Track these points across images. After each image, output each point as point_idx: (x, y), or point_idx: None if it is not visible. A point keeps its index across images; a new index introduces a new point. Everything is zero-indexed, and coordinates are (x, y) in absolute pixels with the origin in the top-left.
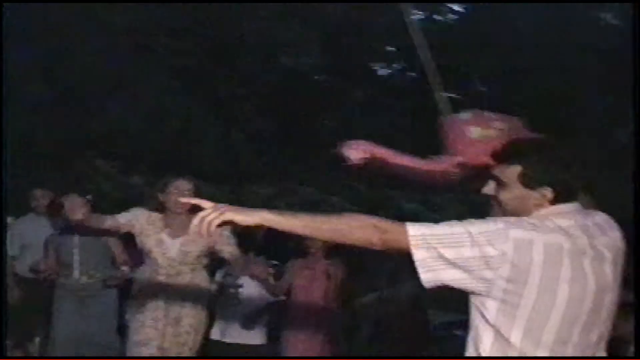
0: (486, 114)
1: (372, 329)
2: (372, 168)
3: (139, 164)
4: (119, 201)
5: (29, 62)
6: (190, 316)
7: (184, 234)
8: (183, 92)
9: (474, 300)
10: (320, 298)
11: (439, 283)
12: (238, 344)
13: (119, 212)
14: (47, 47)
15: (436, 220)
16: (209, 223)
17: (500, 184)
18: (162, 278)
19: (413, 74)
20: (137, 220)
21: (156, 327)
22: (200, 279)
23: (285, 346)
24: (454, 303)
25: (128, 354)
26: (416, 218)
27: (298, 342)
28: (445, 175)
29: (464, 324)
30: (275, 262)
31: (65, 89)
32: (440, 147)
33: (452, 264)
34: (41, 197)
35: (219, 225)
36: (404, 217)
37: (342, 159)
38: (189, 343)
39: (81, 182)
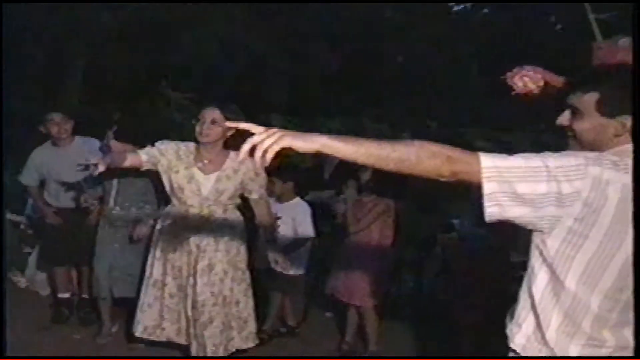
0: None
1: (440, 266)
2: (542, 96)
3: (211, 96)
4: (192, 131)
5: None
6: (225, 262)
7: (218, 169)
8: (255, 25)
9: (534, 238)
10: (372, 233)
11: (502, 218)
12: (282, 273)
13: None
14: None
15: None
16: (266, 150)
17: (577, 113)
18: (192, 220)
19: (486, 10)
20: (163, 155)
21: (179, 275)
22: (234, 219)
23: (332, 279)
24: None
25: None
26: None
27: (343, 275)
28: None
29: None
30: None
31: (138, 21)
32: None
33: (522, 200)
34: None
35: (275, 156)
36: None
37: (508, 88)
38: (224, 291)
39: (155, 113)
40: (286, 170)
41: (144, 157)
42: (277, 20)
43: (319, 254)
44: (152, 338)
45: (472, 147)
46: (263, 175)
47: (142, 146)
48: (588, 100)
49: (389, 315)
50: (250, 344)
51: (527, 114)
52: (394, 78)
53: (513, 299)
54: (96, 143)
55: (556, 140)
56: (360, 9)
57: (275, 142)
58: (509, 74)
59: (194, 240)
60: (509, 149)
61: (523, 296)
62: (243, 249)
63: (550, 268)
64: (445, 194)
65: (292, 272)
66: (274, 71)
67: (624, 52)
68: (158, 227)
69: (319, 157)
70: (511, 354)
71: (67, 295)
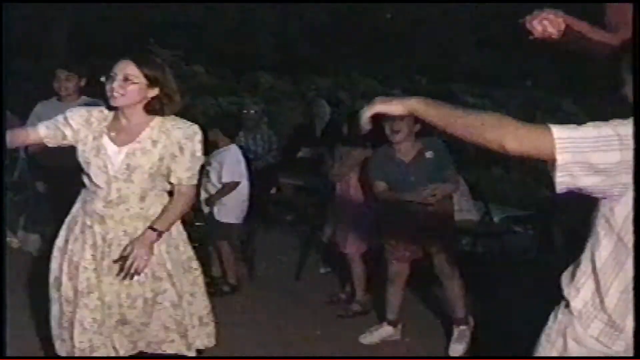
0: None
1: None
2: (563, 42)
3: (199, 53)
4: (183, 90)
5: None
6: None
7: (132, 140)
8: None
9: (601, 207)
10: (351, 180)
11: (573, 188)
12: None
13: (183, 103)
14: None
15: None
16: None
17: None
18: (99, 206)
19: None
20: (68, 125)
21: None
22: (156, 211)
23: (326, 230)
24: (514, 199)
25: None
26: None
27: (334, 225)
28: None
29: (523, 220)
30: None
31: None
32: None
33: (596, 169)
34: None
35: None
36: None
37: (526, 32)
38: (146, 293)
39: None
40: (215, 118)
41: (42, 131)
42: None
43: (312, 209)
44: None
45: (465, 103)
46: (190, 153)
47: None
48: None
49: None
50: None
51: (518, 70)
52: (384, 34)
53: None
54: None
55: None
56: None
57: (368, 108)
58: (528, 17)
59: (98, 230)
60: (500, 105)
61: (584, 261)
62: (163, 248)
63: (617, 236)
64: None
65: (223, 219)
66: (262, 27)
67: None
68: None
69: (309, 114)
70: (562, 316)
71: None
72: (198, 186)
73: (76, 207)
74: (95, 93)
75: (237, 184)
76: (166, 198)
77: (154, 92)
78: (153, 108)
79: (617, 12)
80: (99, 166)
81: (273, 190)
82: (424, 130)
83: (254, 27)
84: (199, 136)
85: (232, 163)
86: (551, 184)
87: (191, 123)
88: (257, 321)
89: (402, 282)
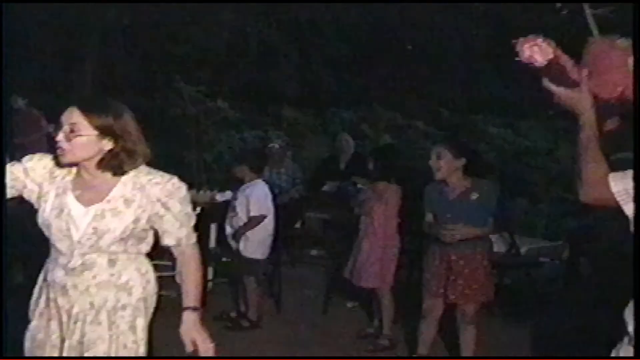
0: None
1: None
2: (546, 73)
3: (222, 88)
4: (207, 126)
5: None
6: (109, 339)
7: (101, 199)
8: (265, 15)
9: None
10: (376, 220)
11: None
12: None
13: (207, 137)
14: None
15: (523, 144)
16: None
17: None
18: (60, 274)
19: None
20: (28, 175)
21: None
22: (128, 280)
23: (349, 264)
24: (541, 230)
25: None
26: (502, 142)
27: (357, 259)
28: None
29: (550, 251)
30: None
31: (145, 14)
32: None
33: None
34: None
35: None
36: (488, 140)
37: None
38: None
39: (168, 107)
40: (242, 153)
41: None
42: (287, 9)
43: (337, 243)
44: None
45: (487, 133)
46: (179, 210)
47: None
48: None
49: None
50: None
51: (540, 99)
52: (405, 66)
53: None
54: None
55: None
56: None
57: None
58: (521, 39)
59: (62, 304)
60: (522, 135)
61: None
62: (141, 323)
63: None
64: None
65: (249, 254)
66: (285, 61)
67: (619, 52)
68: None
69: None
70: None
71: None
72: (223, 223)
73: (40, 277)
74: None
75: (263, 217)
76: (143, 262)
77: (108, 145)
78: (108, 165)
79: (600, 52)
80: (61, 229)
81: (298, 225)
82: (480, 170)
83: (276, 60)
84: (182, 191)
85: (259, 197)
86: (578, 214)
87: (170, 176)
88: (284, 356)
89: (435, 318)
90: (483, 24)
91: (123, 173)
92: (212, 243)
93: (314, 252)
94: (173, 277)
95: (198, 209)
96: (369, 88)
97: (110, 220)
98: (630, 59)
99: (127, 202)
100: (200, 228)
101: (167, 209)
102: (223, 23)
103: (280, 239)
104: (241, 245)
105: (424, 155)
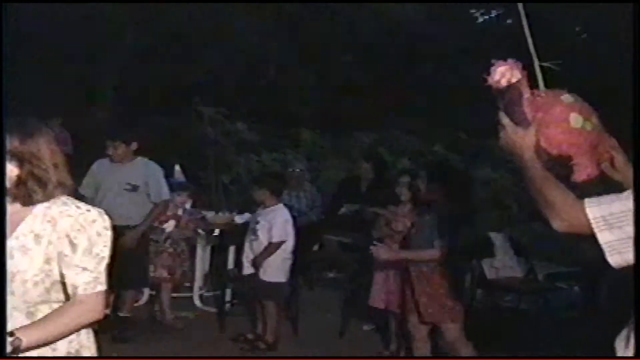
0: (585, 102)
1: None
2: (503, 96)
3: (240, 110)
4: (225, 147)
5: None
6: None
7: (8, 234)
8: (283, 39)
9: None
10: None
11: (627, 264)
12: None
13: (225, 160)
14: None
15: None
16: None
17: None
18: None
19: (510, 20)
20: None
21: None
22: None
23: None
24: (558, 256)
25: None
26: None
27: (388, 285)
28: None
29: (568, 276)
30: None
31: (166, 37)
32: None
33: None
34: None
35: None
36: (505, 165)
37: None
38: None
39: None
40: (262, 177)
41: None
42: (305, 31)
43: (355, 266)
44: None
45: (503, 158)
46: (85, 250)
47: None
48: None
49: None
50: None
51: None
52: (423, 89)
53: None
54: (156, 167)
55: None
56: (388, 20)
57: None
58: (500, 61)
59: None
60: None
61: None
62: None
63: None
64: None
65: (269, 278)
66: (303, 84)
67: (562, 107)
68: None
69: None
70: None
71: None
72: (241, 245)
73: None
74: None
75: (282, 243)
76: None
77: (14, 170)
78: (15, 193)
79: (544, 105)
80: None
81: (316, 247)
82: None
83: (295, 83)
84: (97, 226)
85: (282, 223)
86: (596, 242)
87: (88, 207)
88: None
89: (423, 342)
90: (503, 49)
91: (33, 203)
92: (231, 264)
93: (331, 275)
94: (191, 297)
95: (217, 231)
96: (387, 111)
97: (19, 260)
98: (573, 115)
99: (37, 238)
100: (219, 250)
101: (74, 247)
102: (242, 45)
103: (298, 261)
104: (261, 269)
105: None
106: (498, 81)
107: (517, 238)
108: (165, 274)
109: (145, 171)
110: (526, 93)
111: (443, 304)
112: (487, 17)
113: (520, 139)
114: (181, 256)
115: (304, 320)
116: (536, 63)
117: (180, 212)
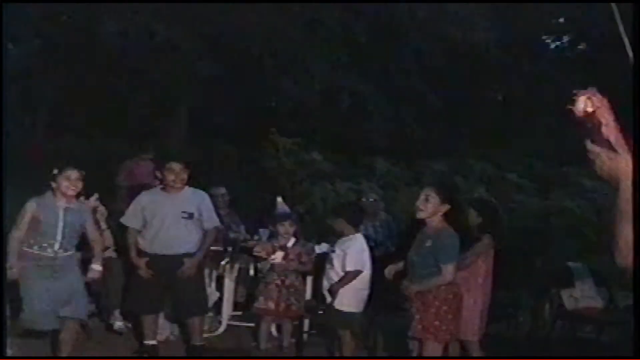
0: None
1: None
2: (585, 124)
3: (314, 140)
4: (301, 177)
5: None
6: None
7: None
8: (355, 68)
9: None
10: (481, 275)
11: None
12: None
13: (301, 190)
14: (217, 27)
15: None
16: None
17: None
18: None
19: (581, 46)
20: None
21: None
22: None
23: None
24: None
25: None
26: (597, 195)
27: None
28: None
29: None
30: None
31: (241, 67)
32: None
33: None
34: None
35: None
36: (583, 194)
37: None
38: None
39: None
40: (340, 206)
41: None
42: (377, 60)
43: None
44: None
45: (582, 185)
46: None
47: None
48: None
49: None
50: None
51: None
52: (496, 116)
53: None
54: (205, 195)
55: None
56: (460, 47)
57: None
58: (582, 90)
59: None
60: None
61: None
62: None
63: None
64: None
65: (343, 307)
66: (377, 112)
67: None
68: None
69: None
70: None
71: (153, 342)
72: (320, 274)
73: None
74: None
75: (358, 273)
76: None
77: None
78: None
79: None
80: None
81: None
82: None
83: (368, 112)
84: None
85: (357, 252)
86: None
87: None
88: None
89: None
90: (574, 71)
91: None
92: (308, 295)
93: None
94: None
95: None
96: (460, 139)
97: None
98: None
99: None
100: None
101: None
102: (315, 75)
103: (376, 292)
104: (336, 299)
105: (516, 209)
106: (581, 110)
107: (597, 268)
108: (271, 305)
109: (196, 199)
110: (605, 120)
111: (430, 324)
112: (558, 43)
113: (617, 163)
114: (289, 289)
115: (383, 352)
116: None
117: (290, 243)
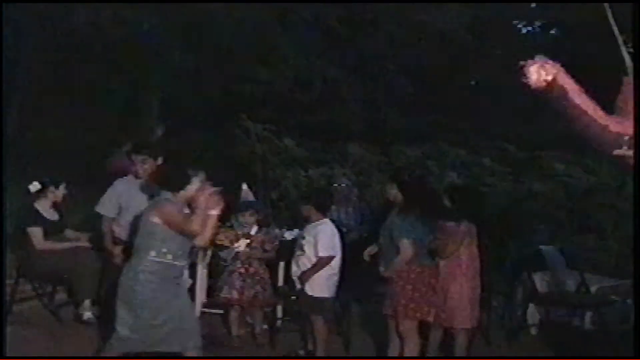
0: None
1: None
2: (548, 95)
3: (287, 126)
4: (273, 164)
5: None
6: None
7: None
8: (326, 54)
9: None
10: (464, 262)
11: None
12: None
13: (274, 176)
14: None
15: (591, 182)
16: None
17: None
18: None
19: (553, 31)
20: None
21: None
22: None
23: None
24: (611, 268)
25: None
26: (569, 179)
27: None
28: (616, 138)
29: (621, 289)
30: None
31: (211, 55)
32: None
33: None
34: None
35: None
36: (555, 178)
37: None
38: None
39: (233, 144)
40: (308, 193)
41: None
42: (349, 45)
43: None
44: None
45: (555, 169)
46: None
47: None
48: None
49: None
50: None
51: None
52: (469, 101)
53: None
54: None
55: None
56: (431, 32)
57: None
58: (530, 61)
59: None
60: (590, 172)
61: None
62: None
63: None
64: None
65: (315, 293)
66: (349, 98)
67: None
68: None
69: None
70: None
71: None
72: (290, 259)
73: None
74: None
75: (331, 258)
76: None
77: None
78: None
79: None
80: None
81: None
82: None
83: (341, 97)
84: None
85: (327, 237)
86: None
87: None
88: None
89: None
90: (549, 57)
91: None
92: (280, 281)
93: (382, 290)
94: None
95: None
96: (434, 124)
97: None
98: None
99: None
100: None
101: None
102: (287, 61)
103: (347, 277)
104: (307, 285)
105: (490, 194)
106: (536, 81)
107: (569, 251)
108: (235, 294)
109: None
110: (568, 85)
111: (403, 300)
112: (530, 28)
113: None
114: (254, 277)
115: (356, 336)
116: (623, 50)
117: (253, 231)
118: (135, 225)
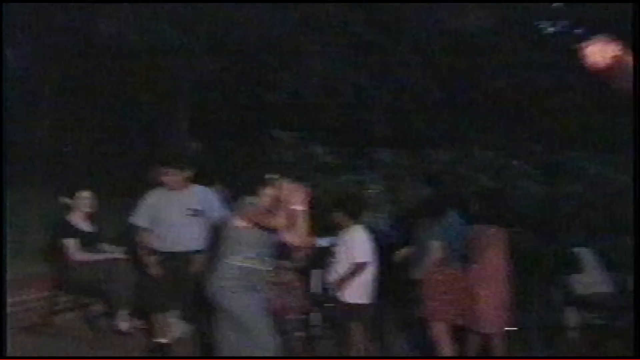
0: None
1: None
2: (609, 75)
3: (316, 133)
4: (304, 171)
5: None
6: None
7: None
8: (353, 60)
9: None
10: (489, 267)
11: None
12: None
13: (304, 182)
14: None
15: (625, 181)
16: None
17: None
18: None
19: (579, 30)
20: None
21: None
22: None
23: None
24: None
25: None
26: (602, 180)
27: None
28: None
29: None
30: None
31: (237, 62)
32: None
33: None
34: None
35: None
36: (587, 179)
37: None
38: None
39: (263, 153)
40: (339, 200)
41: None
42: (377, 51)
43: None
44: None
45: (585, 170)
46: None
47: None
48: None
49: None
50: None
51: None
52: (498, 104)
53: None
54: (207, 192)
55: None
56: (458, 36)
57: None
58: (590, 40)
59: None
60: (620, 172)
61: None
62: None
63: None
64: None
65: (350, 299)
66: (377, 103)
67: None
68: None
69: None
70: None
71: (164, 340)
72: (324, 266)
73: None
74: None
75: (365, 264)
76: None
77: None
78: None
79: None
80: None
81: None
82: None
83: (369, 103)
84: None
85: (360, 243)
86: None
87: None
88: None
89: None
90: (574, 56)
91: None
92: (314, 288)
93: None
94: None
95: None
96: (463, 127)
97: None
98: None
99: None
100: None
101: None
102: (314, 68)
103: (382, 282)
104: (343, 292)
105: (523, 197)
106: (600, 61)
107: (608, 252)
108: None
109: (204, 196)
110: (631, 63)
111: (433, 303)
112: (553, 28)
113: None
114: (283, 286)
115: (393, 341)
116: None
117: None
118: (213, 233)
